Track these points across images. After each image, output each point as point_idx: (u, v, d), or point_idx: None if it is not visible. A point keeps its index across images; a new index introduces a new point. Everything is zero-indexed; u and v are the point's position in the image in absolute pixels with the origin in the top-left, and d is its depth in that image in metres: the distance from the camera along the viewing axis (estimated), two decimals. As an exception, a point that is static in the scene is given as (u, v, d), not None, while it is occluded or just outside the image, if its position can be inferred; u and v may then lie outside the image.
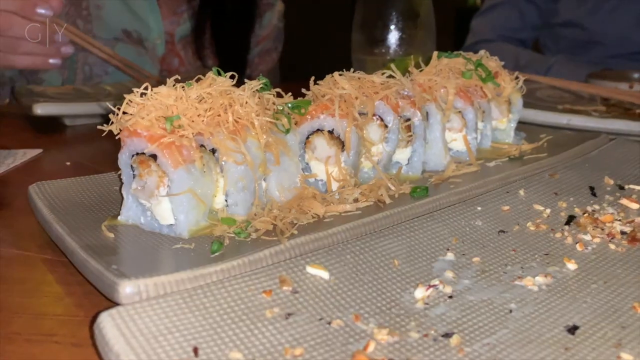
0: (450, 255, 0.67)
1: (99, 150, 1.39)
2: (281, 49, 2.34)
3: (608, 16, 2.28)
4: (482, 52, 1.11)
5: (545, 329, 0.53)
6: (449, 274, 0.63)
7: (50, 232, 0.75)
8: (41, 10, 1.49)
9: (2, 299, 0.66)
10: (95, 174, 0.95)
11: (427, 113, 0.99)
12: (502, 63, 1.12)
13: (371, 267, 0.63)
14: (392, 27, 1.68)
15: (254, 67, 2.23)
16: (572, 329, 0.53)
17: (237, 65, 2.25)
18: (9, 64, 1.55)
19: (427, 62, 1.72)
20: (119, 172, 0.78)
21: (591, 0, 2.28)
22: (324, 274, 0.60)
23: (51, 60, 1.57)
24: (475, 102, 1.05)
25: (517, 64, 2.50)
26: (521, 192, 0.84)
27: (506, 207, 0.79)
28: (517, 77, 1.11)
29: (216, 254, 0.66)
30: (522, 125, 1.20)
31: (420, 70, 1.05)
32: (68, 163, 1.21)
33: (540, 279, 0.63)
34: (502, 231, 0.73)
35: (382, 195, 0.82)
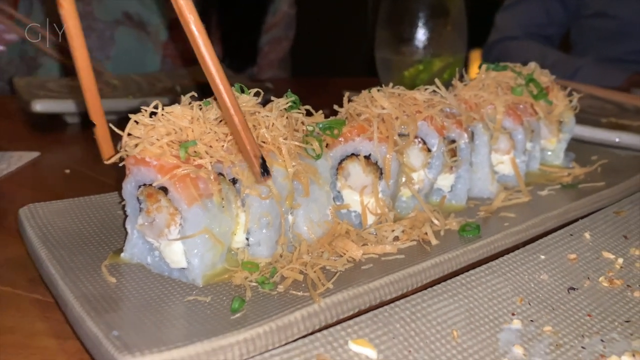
0: (517, 323, 0.56)
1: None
2: (293, 37, 2.23)
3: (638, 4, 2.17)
4: (532, 64, 0.99)
5: None
6: (518, 350, 0.52)
7: (42, 270, 0.64)
8: None
9: (-15, 355, 0.55)
10: (97, 188, 0.84)
11: (472, 133, 0.88)
12: (554, 77, 1.00)
13: (426, 340, 0.52)
14: (421, 24, 1.55)
15: (264, 55, 2.12)
16: None
17: (245, 53, 2.15)
18: None
19: (457, 65, 1.60)
20: (122, 202, 0.66)
21: None
22: (371, 353, 0.49)
23: None
24: (525, 121, 0.93)
25: (543, 64, 2.38)
26: (586, 235, 0.73)
27: (572, 256, 0.68)
28: (570, 94, 0.98)
29: (237, 314, 0.55)
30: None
31: (465, 84, 0.93)
32: (67, 171, 1.10)
33: (628, 360, 0.52)
34: (572, 288, 0.62)
35: (426, 234, 0.71)
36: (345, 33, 3.91)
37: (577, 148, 1.08)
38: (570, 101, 0.98)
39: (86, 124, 0.62)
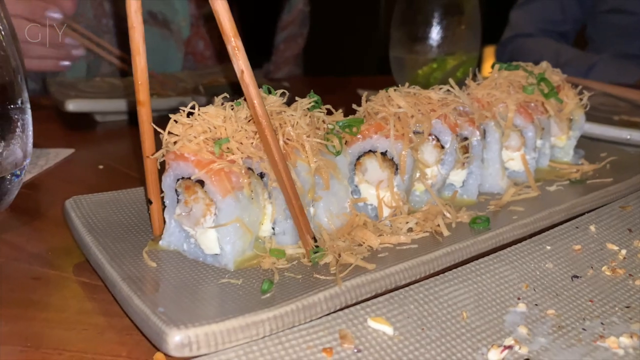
0: (522, 306, 0.61)
1: (130, 151, 1.36)
2: (307, 34, 2.28)
3: None
4: (544, 63, 1.03)
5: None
6: (523, 330, 0.57)
7: (89, 256, 0.71)
8: (51, 14, 1.44)
9: (42, 332, 0.62)
10: (129, 183, 0.91)
11: (484, 131, 0.92)
12: (566, 76, 1.04)
13: (438, 320, 0.57)
14: (435, 23, 1.59)
15: (280, 53, 2.17)
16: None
17: (262, 50, 2.20)
18: None
19: (471, 63, 1.63)
20: (162, 194, 0.73)
21: None
22: (388, 329, 0.55)
23: (62, 63, 1.54)
24: (536, 119, 0.97)
25: (558, 61, 2.39)
26: (592, 227, 0.78)
27: (577, 247, 0.73)
28: (580, 92, 1.02)
29: (267, 295, 0.61)
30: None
31: (478, 83, 0.97)
32: (101, 166, 1.18)
33: (625, 340, 0.56)
34: (576, 276, 0.67)
35: (439, 226, 0.76)
36: (357, 30, 3.93)
37: (587, 145, 1.12)
38: (581, 99, 1.02)
39: (134, 121, 0.68)
